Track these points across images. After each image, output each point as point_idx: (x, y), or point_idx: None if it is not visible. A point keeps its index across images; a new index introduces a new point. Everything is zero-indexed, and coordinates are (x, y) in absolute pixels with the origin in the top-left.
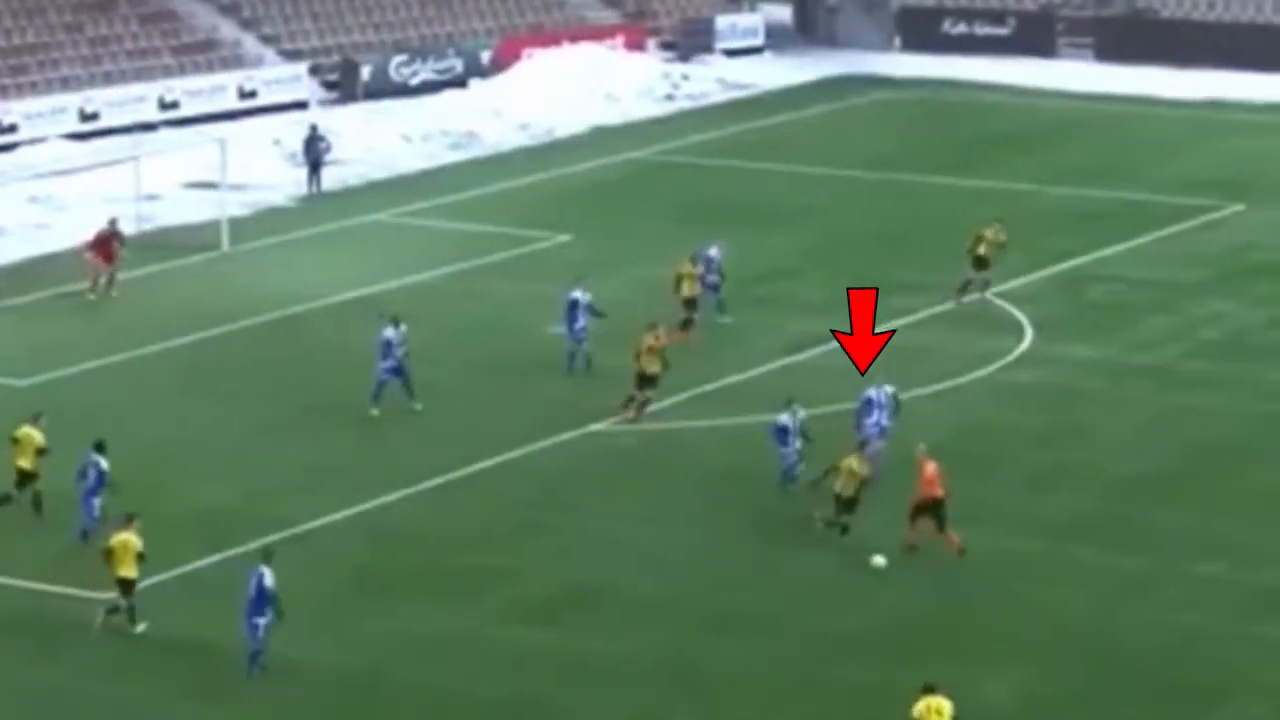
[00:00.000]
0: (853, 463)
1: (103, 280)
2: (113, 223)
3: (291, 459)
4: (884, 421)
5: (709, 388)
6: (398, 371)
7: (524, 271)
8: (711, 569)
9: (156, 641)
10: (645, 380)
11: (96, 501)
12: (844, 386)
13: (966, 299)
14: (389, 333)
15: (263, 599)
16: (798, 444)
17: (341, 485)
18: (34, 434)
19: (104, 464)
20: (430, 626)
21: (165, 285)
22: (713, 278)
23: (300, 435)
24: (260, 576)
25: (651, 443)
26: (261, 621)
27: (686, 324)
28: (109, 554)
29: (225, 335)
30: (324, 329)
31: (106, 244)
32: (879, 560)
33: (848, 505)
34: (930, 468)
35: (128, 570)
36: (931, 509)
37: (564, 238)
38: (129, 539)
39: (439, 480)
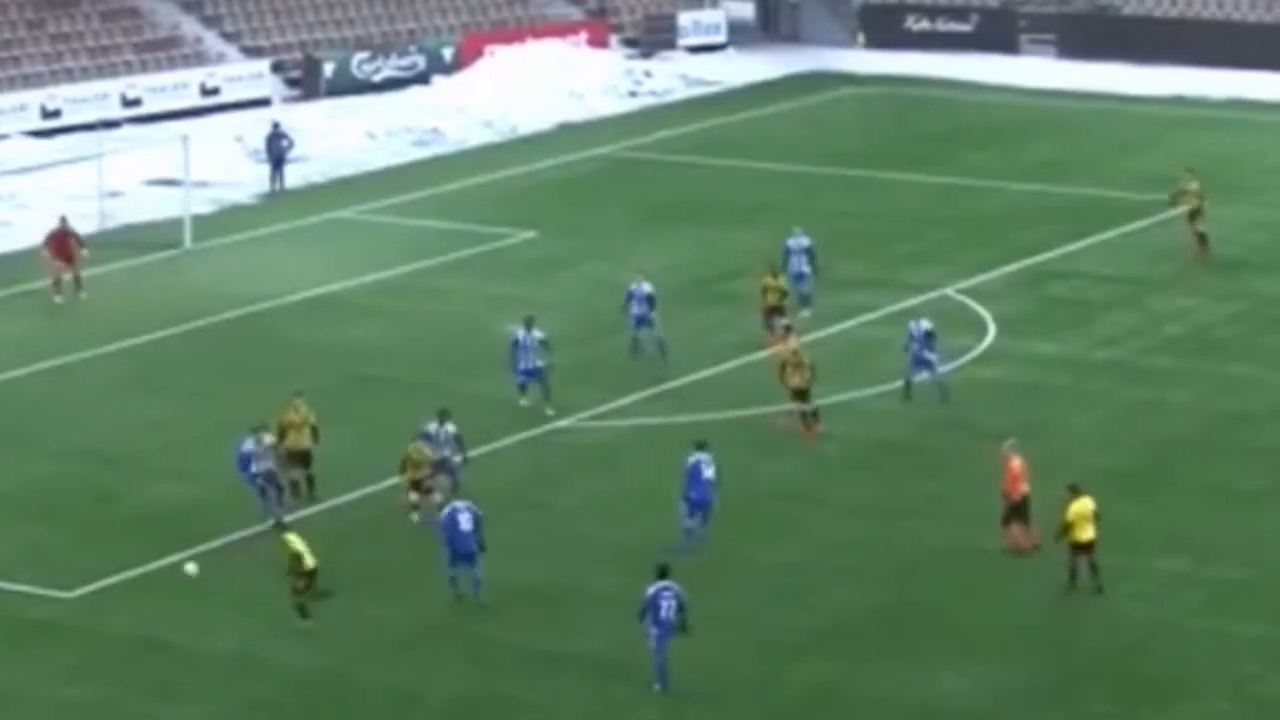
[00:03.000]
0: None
1: (66, 278)
2: (63, 220)
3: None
4: (925, 354)
5: (672, 385)
6: (532, 374)
7: (489, 268)
8: (682, 564)
9: (117, 641)
10: (799, 394)
11: None
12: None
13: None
14: (520, 335)
15: None
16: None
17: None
18: None
19: None
20: (393, 624)
21: (127, 283)
22: (807, 268)
23: None
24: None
25: (614, 440)
26: None
27: (786, 329)
28: None
29: (187, 333)
30: (287, 327)
31: (63, 243)
32: (191, 568)
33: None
34: (1015, 464)
35: None
36: (1020, 509)
37: (529, 234)
38: None
39: (400, 478)
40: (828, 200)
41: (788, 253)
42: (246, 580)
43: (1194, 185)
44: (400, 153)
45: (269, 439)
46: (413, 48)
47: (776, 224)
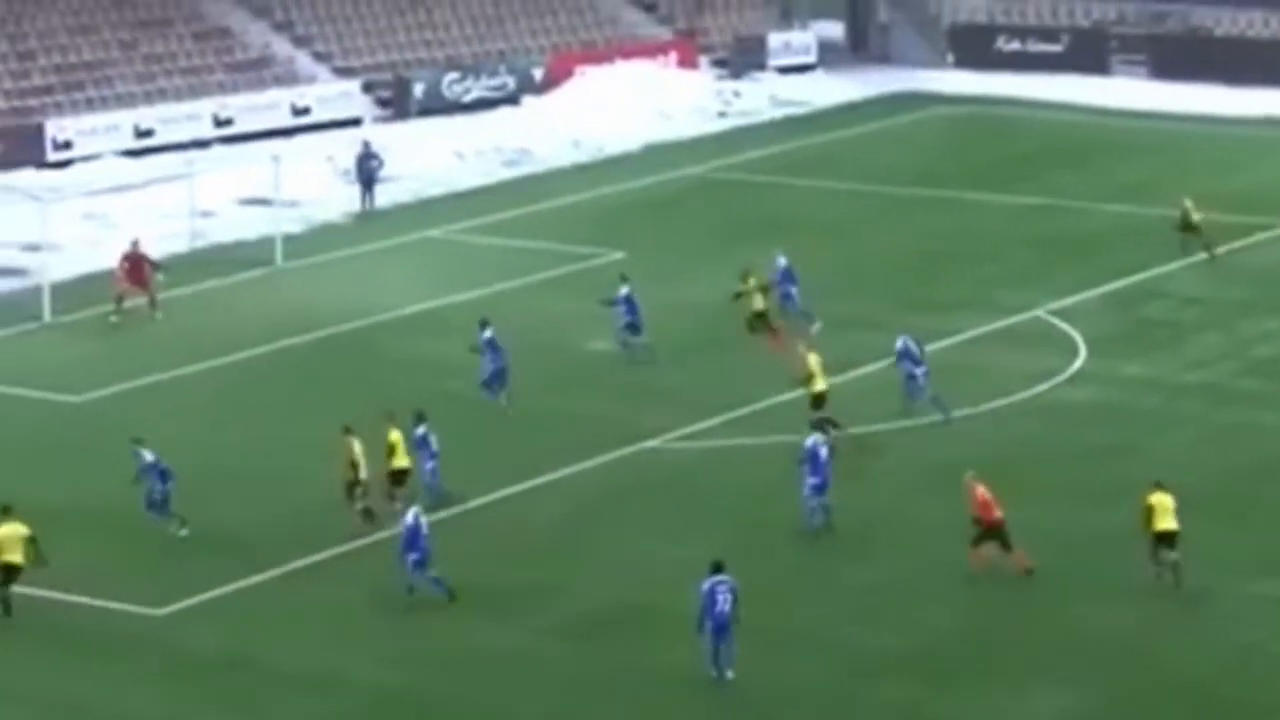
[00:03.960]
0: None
1: (131, 303)
2: (135, 244)
3: (337, 477)
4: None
5: (758, 405)
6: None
7: (576, 288)
8: (754, 585)
9: (203, 658)
10: (819, 399)
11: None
12: (890, 405)
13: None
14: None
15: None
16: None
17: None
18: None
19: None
20: (471, 643)
21: (219, 301)
22: (790, 287)
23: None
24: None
25: (699, 460)
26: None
27: (772, 331)
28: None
29: (277, 351)
30: (376, 345)
31: (137, 266)
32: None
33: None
34: (981, 491)
35: (13, 557)
36: (995, 534)
37: (617, 254)
38: (15, 529)
39: (485, 499)
40: (917, 221)
41: (781, 278)
42: (333, 598)
43: (1187, 203)
44: (489, 172)
45: None
46: (502, 68)
47: (865, 245)
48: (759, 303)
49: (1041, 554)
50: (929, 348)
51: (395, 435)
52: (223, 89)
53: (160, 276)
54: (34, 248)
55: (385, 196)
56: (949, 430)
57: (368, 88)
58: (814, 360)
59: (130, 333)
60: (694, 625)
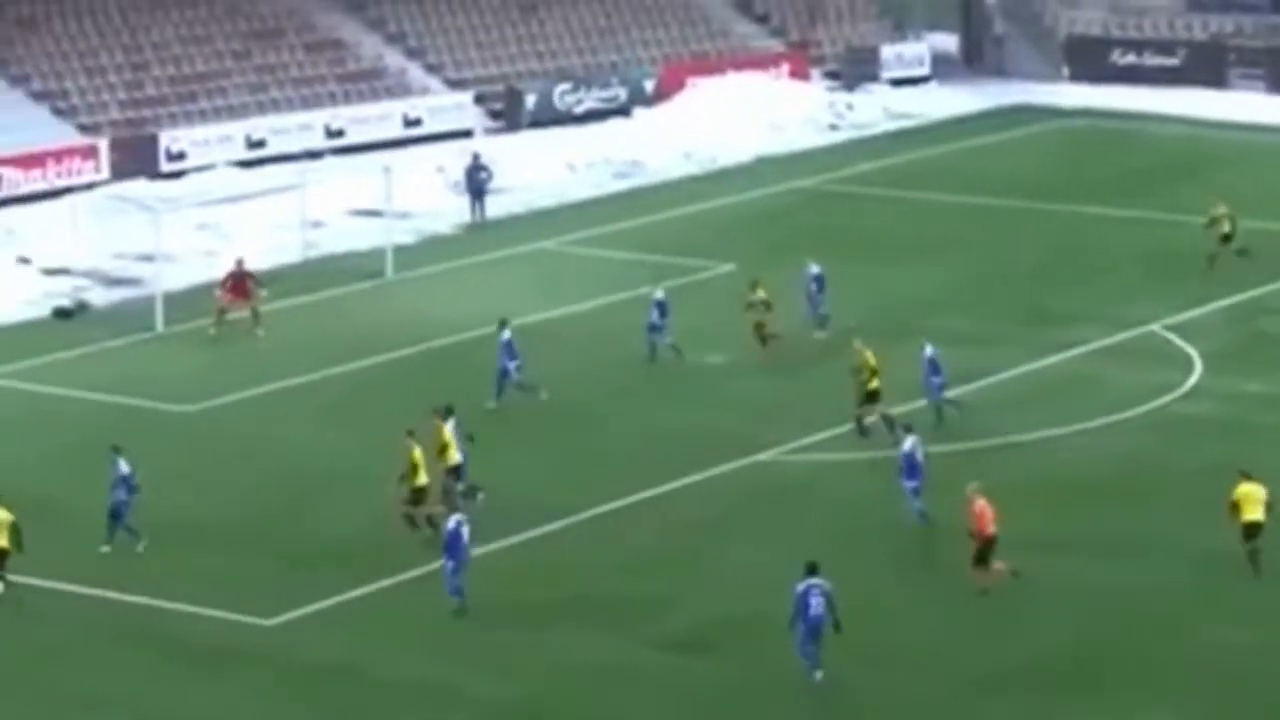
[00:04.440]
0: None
1: (228, 316)
2: (239, 262)
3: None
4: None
5: (870, 420)
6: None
7: (687, 301)
8: (864, 601)
9: (312, 669)
10: (873, 396)
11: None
12: (1004, 419)
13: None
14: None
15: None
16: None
17: (498, 515)
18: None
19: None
20: (582, 655)
21: (330, 312)
22: (818, 294)
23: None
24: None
25: (812, 473)
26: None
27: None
28: None
29: (389, 362)
30: (486, 357)
31: (240, 284)
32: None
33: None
34: (980, 505)
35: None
36: (986, 548)
37: (727, 267)
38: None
39: (596, 510)
40: (1031, 235)
41: (805, 281)
42: (445, 608)
43: (1223, 209)
44: (600, 184)
45: None
46: (614, 79)
47: (980, 259)
48: (762, 315)
49: (1159, 570)
50: (1044, 361)
51: (447, 432)
52: (335, 100)
53: (263, 293)
54: (147, 258)
55: (496, 208)
56: (1065, 445)
57: (479, 99)
58: (871, 356)
59: (242, 343)
60: (788, 628)
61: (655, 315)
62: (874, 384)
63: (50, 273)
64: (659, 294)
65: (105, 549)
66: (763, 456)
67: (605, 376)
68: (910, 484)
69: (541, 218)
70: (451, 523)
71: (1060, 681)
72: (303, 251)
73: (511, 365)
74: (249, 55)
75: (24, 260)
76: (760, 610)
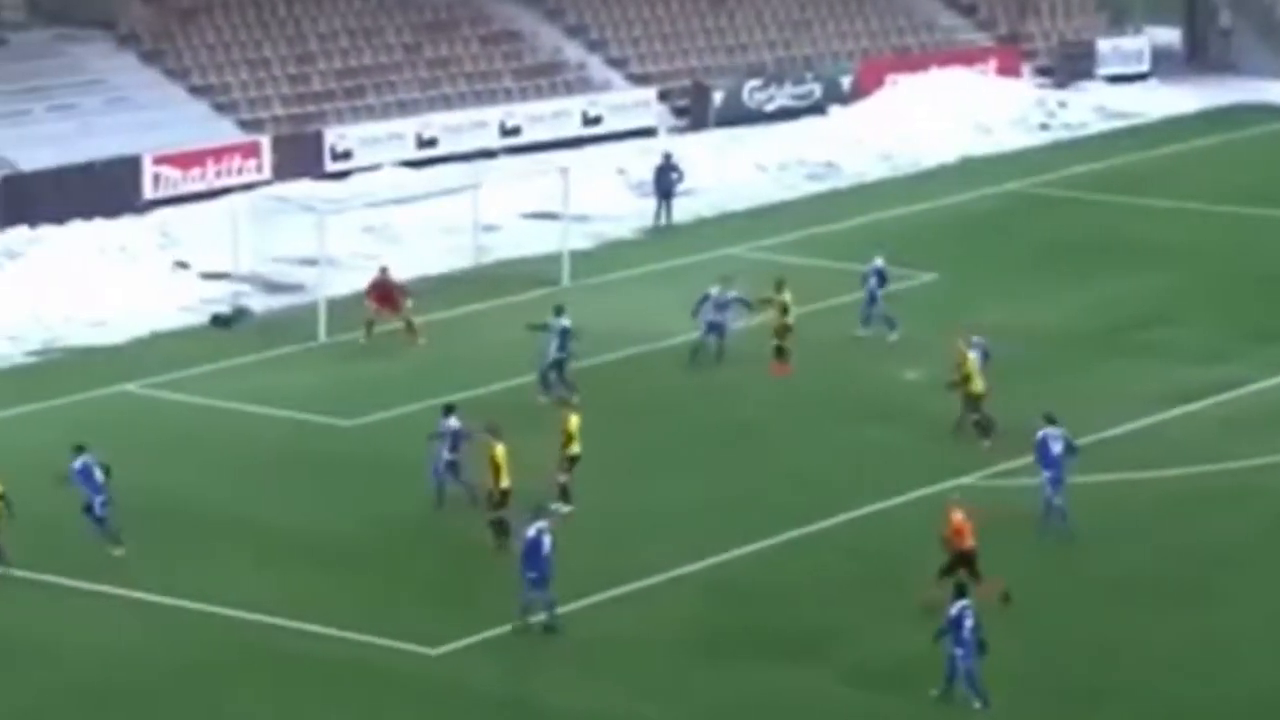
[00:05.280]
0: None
1: (376, 329)
2: (384, 271)
3: (627, 509)
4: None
5: (1083, 441)
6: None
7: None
8: (1075, 635)
9: (479, 700)
10: (977, 400)
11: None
12: (1231, 440)
13: None
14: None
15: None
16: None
17: (681, 538)
18: None
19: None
20: (770, 688)
21: (502, 321)
22: (878, 289)
23: (638, 484)
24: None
25: (1021, 499)
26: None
27: (780, 352)
28: None
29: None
30: (666, 371)
31: (387, 294)
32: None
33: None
34: (958, 517)
35: None
36: (965, 562)
37: (928, 276)
38: None
39: (785, 535)
40: (1259, 244)
41: (865, 276)
42: (622, 636)
43: None
44: (793, 187)
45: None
46: (809, 75)
47: (1202, 269)
48: (784, 318)
49: None
50: (1267, 382)
51: (500, 451)
52: (510, 96)
53: (409, 303)
54: (310, 263)
55: (681, 212)
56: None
57: (664, 96)
58: (973, 359)
59: (407, 354)
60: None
61: (712, 313)
62: (976, 387)
63: (208, 278)
64: (731, 293)
65: (118, 552)
66: (967, 480)
67: (792, 392)
68: (1047, 474)
69: (729, 222)
70: (531, 530)
71: None
72: (474, 257)
73: (561, 355)
74: (420, 48)
75: (181, 265)
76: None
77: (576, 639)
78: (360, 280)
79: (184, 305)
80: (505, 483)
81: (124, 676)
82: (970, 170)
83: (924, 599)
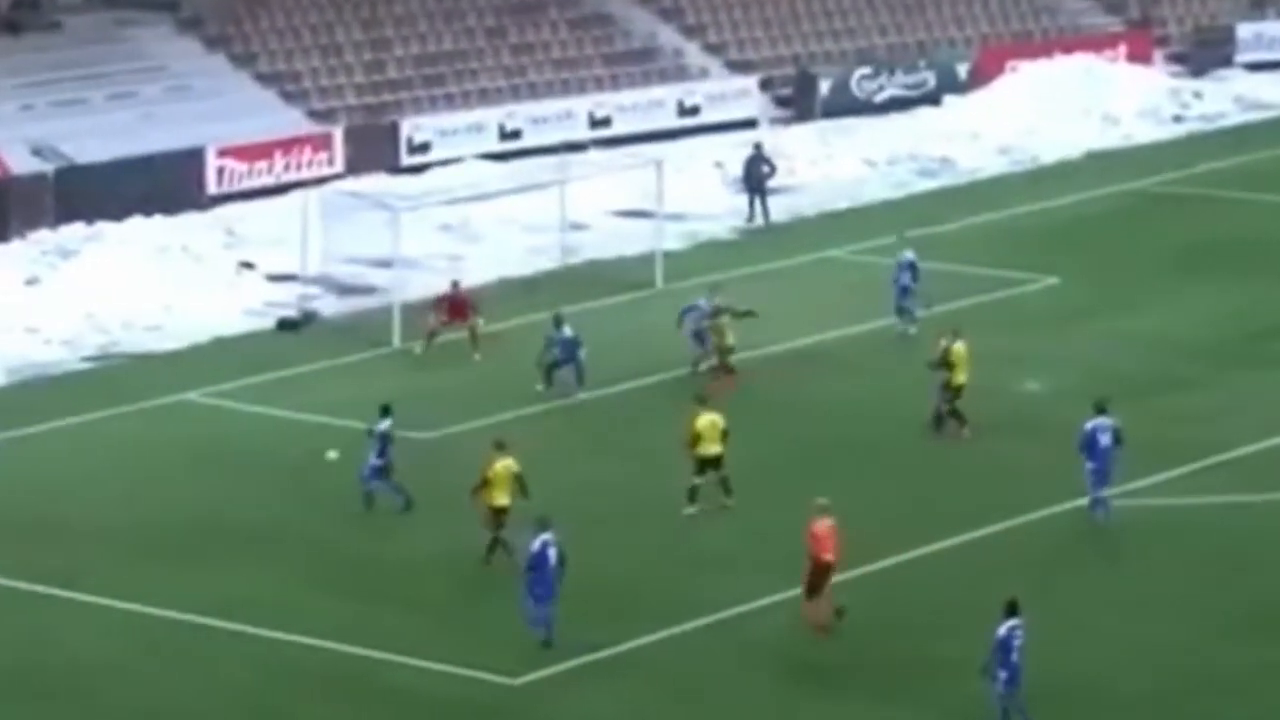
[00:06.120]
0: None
1: (438, 339)
2: (455, 285)
3: (720, 530)
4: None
5: (1219, 458)
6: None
7: (1002, 319)
8: (1204, 668)
9: None
10: (959, 390)
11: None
12: None
13: None
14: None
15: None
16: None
17: (779, 563)
18: None
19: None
20: None
21: (590, 327)
22: (909, 282)
23: (739, 500)
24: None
25: (1147, 520)
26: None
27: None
28: None
29: (652, 386)
30: (760, 381)
31: (457, 307)
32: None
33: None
34: (820, 526)
35: None
36: (822, 575)
37: (1050, 280)
38: None
39: (891, 560)
40: None
41: (898, 270)
42: (708, 668)
43: None
44: (903, 183)
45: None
46: (922, 63)
47: None
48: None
49: None
50: None
51: (500, 467)
52: (600, 85)
53: (480, 321)
54: (384, 263)
55: (784, 209)
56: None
57: (766, 85)
58: (960, 349)
59: (489, 362)
60: (984, 674)
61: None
62: (960, 378)
63: (275, 279)
64: (716, 300)
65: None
66: (1086, 501)
67: (901, 405)
68: (1091, 465)
69: (833, 221)
70: (536, 543)
71: None
72: (561, 257)
73: (581, 353)
74: (504, 33)
75: (246, 265)
76: (1078, 675)
77: (664, 670)
78: (437, 282)
79: (249, 308)
80: (503, 500)
81: (190, 702)
82: (1096, 166)
83: (813, 621)
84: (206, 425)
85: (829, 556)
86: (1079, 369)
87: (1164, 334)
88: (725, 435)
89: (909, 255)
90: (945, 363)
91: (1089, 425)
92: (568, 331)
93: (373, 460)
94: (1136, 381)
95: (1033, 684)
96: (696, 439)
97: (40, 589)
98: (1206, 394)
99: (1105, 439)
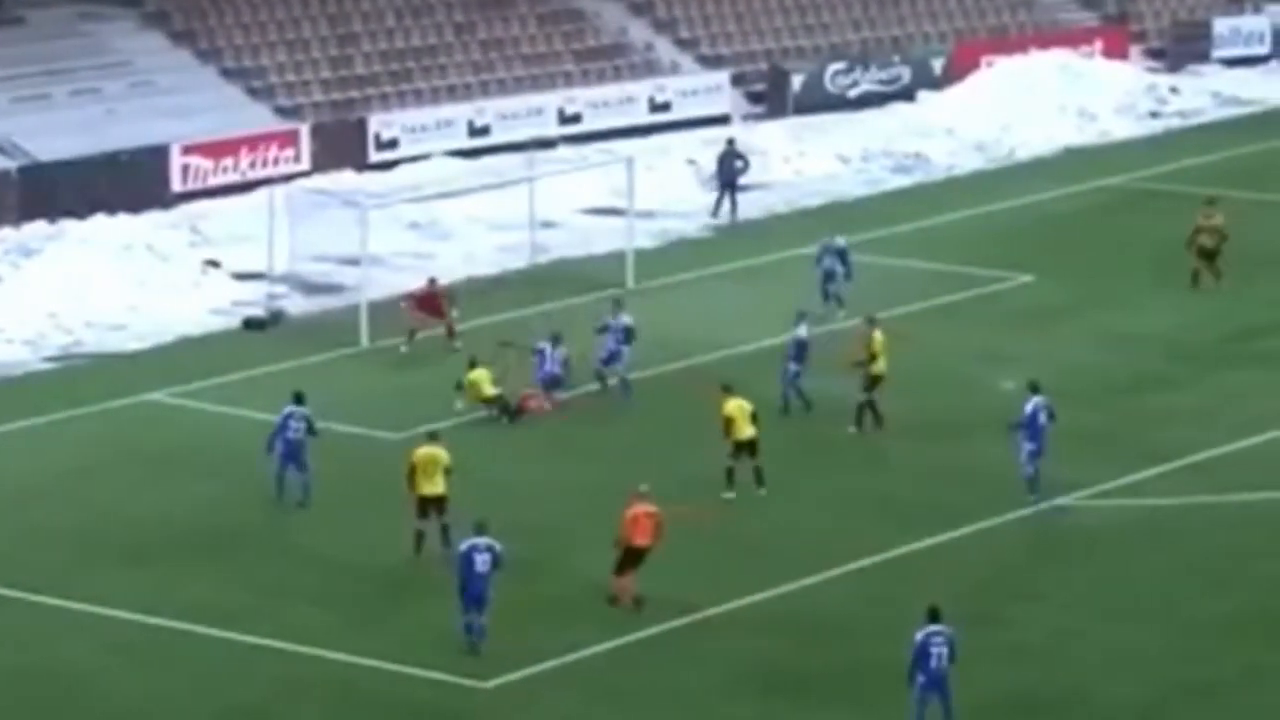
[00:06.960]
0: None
1: (420, 335)
2: (432, 282)
3: (697, 532)
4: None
5: (1197, 457)
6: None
7: (977, 317)
8: (1191, 674)
9: None
10: (876, 381)
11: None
12: None
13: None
14: (801, 332)
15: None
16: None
17: (753, 565)
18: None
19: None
20: None
21: (560, 327)
22: (837, 268)
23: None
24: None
25: (1125, 522)
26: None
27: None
28: None
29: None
30: (733, 382)
31: (434, 302)
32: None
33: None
34: (638, 510)
35: None
36: (635, 559)
37: (1025, 278)
38: None
39: (866, 561)
40: None
41: (822, 253)
42: (681, 674)
43: (1217, 220)
44: (877, 180)
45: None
46: (896, 58)
47: None
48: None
49: None
50: None
51: (423, 453)
52: (570, 80)
53: (455, 312)
54: (352, 261)
55: (756, 206)
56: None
57: (738, 80)
58: (879, 339)
59: (452, 363)
60: (905, 681)
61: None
62: (878, 368)
63: (241, 278)
64: (623, 317)
65: None
66: (1063, 500)
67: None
68: (1029, 447)
69: (806, 218)
70: (464, 546)
71: None
72: (530, 256)
73: (625, 349)
74: (472, 29)
75: (212, 263)
76: (1064, 684)
77: (638, 675)
78: (405, 281)
79: (215, 307)
80: (427, 489)
81: (151, 706)
82: (1072, 162)
83: (617, 590)
84: (172, 426)
85: (642, 541)
86: (1054, 367)
87: (1140, 332)
88: (755, 417)
89: (841, 241)
90: (870, 355)
91: (1029, 406)
92: (626, 319)
93: (280, 448)
94: (1113, 380)
95: (1003, 692)
96: (729, 424)
97: (2, 592)
98: (1184, 393)
99: (1043, 418)
